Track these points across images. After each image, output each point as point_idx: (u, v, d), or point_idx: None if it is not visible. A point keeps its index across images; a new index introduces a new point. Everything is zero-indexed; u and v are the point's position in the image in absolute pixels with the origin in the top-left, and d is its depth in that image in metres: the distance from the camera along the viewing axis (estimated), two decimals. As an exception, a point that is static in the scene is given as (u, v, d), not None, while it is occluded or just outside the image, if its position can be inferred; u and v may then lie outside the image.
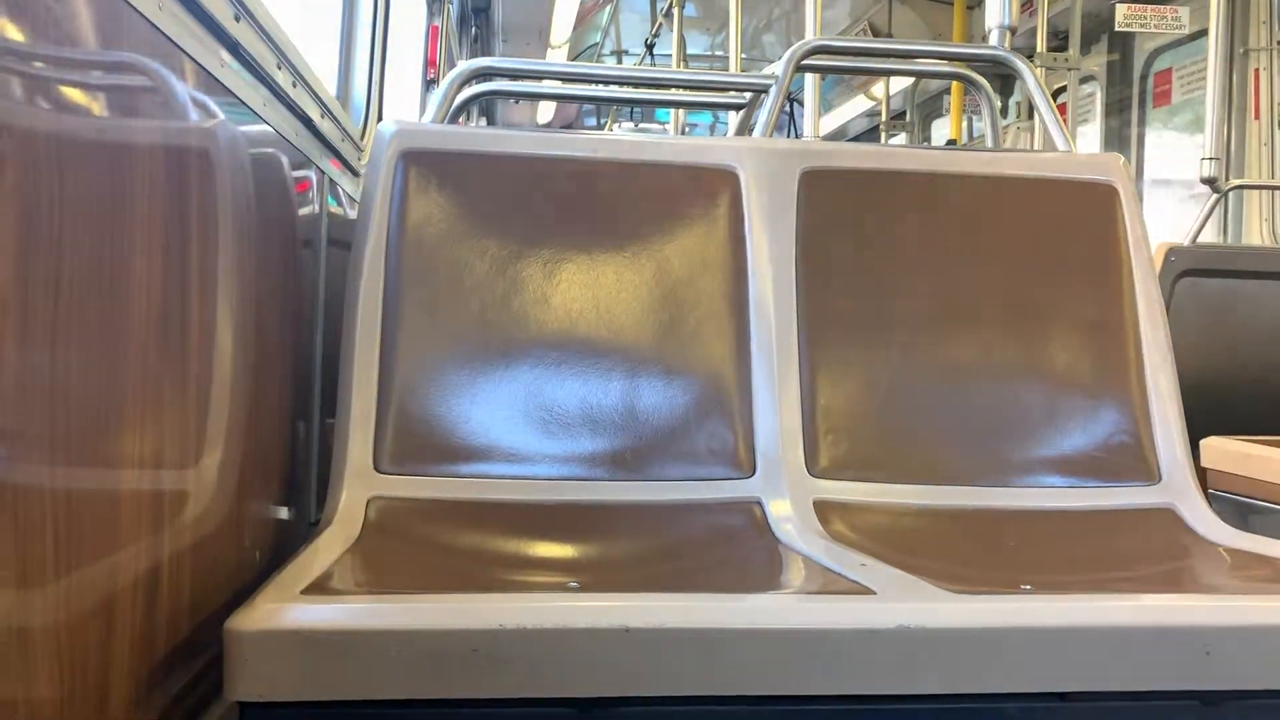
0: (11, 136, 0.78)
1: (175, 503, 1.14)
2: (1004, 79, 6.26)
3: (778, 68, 2.25)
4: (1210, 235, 4.39)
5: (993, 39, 2.46)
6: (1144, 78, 6.73)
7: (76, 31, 0.92)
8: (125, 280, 0.99)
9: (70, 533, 0.88)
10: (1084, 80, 6.76)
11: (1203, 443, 2.49)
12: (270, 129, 1.53)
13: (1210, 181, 3.50)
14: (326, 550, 1.37)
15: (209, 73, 1.23)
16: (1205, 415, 2.45)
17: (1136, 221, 1.94)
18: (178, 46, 1.12)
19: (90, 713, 0.94)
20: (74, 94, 0.90)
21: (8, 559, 0.78)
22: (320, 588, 1.19)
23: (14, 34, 0.81)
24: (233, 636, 1.05)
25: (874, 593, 1.23)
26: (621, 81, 3.57)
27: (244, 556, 1.42)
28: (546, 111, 11.06)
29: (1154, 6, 5.22)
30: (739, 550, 1.57)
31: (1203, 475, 2.43)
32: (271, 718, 1.06)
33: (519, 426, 1.72)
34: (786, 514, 1.63)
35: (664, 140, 2.06)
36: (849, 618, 1.14)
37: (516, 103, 9.80)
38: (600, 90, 3.45)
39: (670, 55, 7.15)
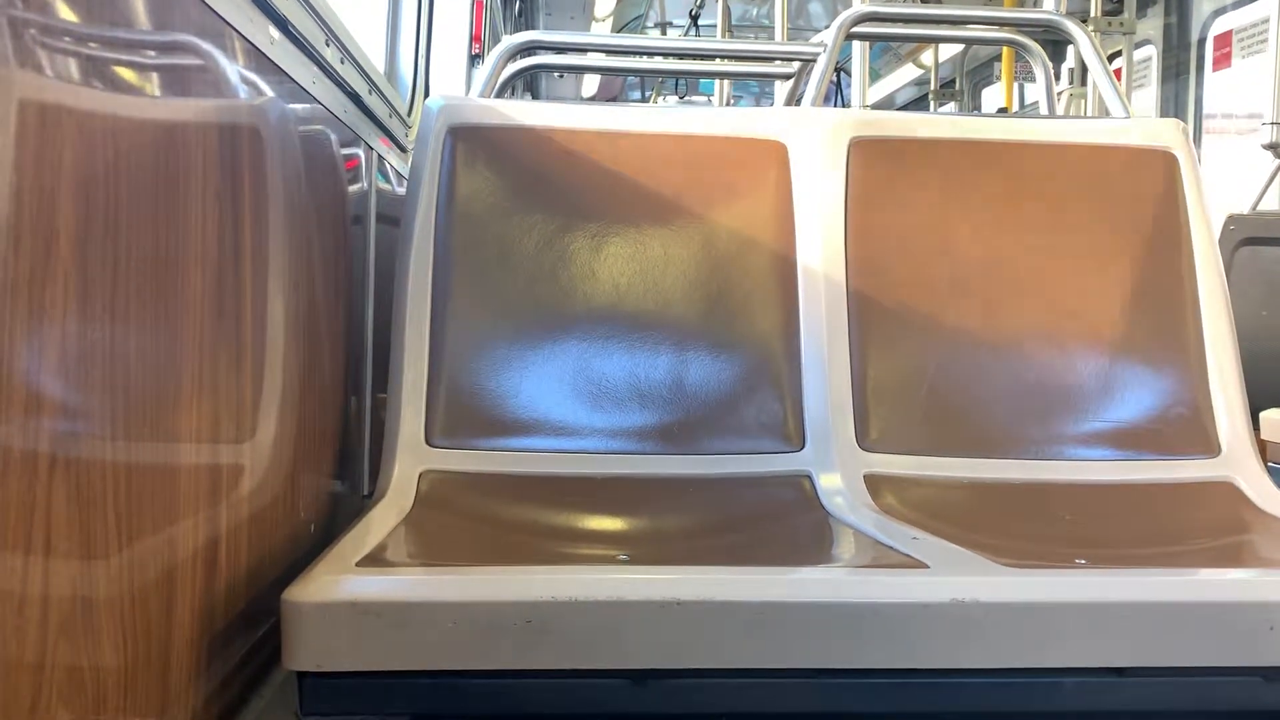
0: (71, 116, 0.79)
1: (232, 476, 1.16)
2: (1055, 45, 6.13)
3: (826, 36, 2.22)
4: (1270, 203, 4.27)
5: (1047, 3, 2.40)
6: (1202, 41, 6.56)
7: (129, 12, 0.92)
8: (180, 257, 1.00)
9: (130, 505, 0.90)
10: (1139, 45, 6.60)
11: (1262, 415, 2.44)
12: (320, 106, 1.54)
13: (1273, 147, 3.42)
14: (380, 523, 1.39)
15: (259, 50, 1.24)
16: (1265, 387, 2.39)
17: (1196, 189, 1.89)
18: (228, 24, 1.13)
19: (153, 680, 0.96)
20: (128, 74, 0.91)
21: (71, 531, 0.80)
22: (375, 560, 1.20)
23: (70, 15, 0.81)
24: (291, 608, 1.07)
25: (927, 566, 1.22)
26: (666, 53, 3.54)
27: (299, 529, 1.44)
28: (590, 85, 11.02)
29: (1213, -33, 5.08)
30: (789, 523, 1.56)
31: (1262, 448, 2.38)
32: (329, 687, 1.08)
33: (568, 400, 1.72)
34: (837, 487, 1.63)
35: (710, 112, 2.04)
36: (901, 591, 1.14)
37: (561, 77, 9.78)
38: (645, 63, 3.43)
39: (715, 26, 7.08)
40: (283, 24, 1.33)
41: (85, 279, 0.81)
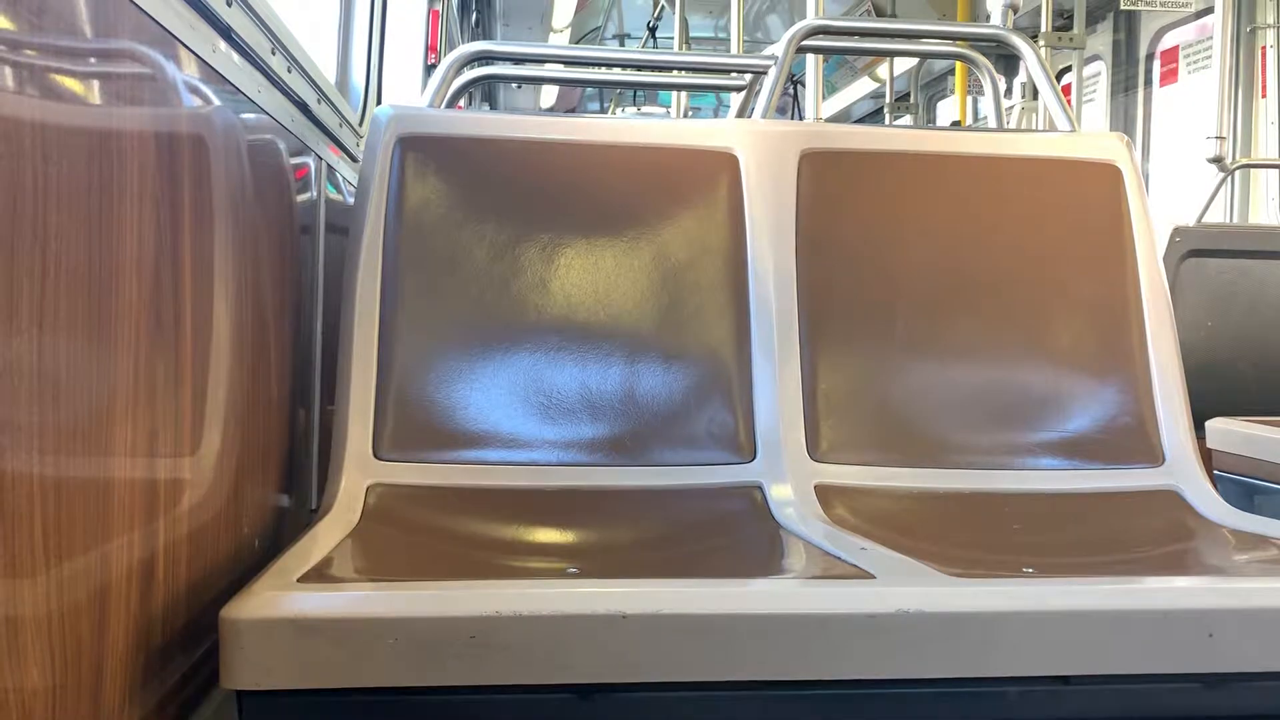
0: (-5, 123, 0.77)
1: (171, 491, 1.14)
2: (1010, 59, 6.22)
3: (778, 48, 2.24)
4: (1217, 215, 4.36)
5: (995, 18, 2.43)
6: (1150, 57, 6.69)
7: (68, 19, 0.91)
8: (116, 267, 0.98)
9: (60, 522, 0.88)
10: (1089, 60, 6.72)
11: (1208, 424, 2.48)
12: (266, 115, 1.52)
13: (1217, 160, 3.49)
14: (325, 537, 1.37)
15: (202, 59, 1.22)
16: (1210, 396, 2.43)
17: (1140, 201, 1.92)
18: (169, 32, 1.11)
19: (85, 702, 0.94)
20: (63, 81, 0.89)
21: None
22: (318, 575, 1.18)
23: (5, 23, 0.80)
24: (229, 625, 1.05)
25: (874, 577, 1.22)
26: (623, 65, 3.54)
27: (242, 544, 1.41)
28: (549, 96, 11.03)
29: (1160, -15, 5.18)
30: (739, 535, 1.56)
31: (1208, 457, 2.41)
32: (268, 706, 1.06)
33: (518, 412, 1.71)
34: (787, 498, 1.63)
35: (663, 123, 2.05)
36: (848, 602, 1.14)
37: (519, 87, 9.77)
38: (601, 74, 3.43)
39: (672, 38, 7.12)
40: (227, 33, 1.31)
41: (11, 288, 0.80)
